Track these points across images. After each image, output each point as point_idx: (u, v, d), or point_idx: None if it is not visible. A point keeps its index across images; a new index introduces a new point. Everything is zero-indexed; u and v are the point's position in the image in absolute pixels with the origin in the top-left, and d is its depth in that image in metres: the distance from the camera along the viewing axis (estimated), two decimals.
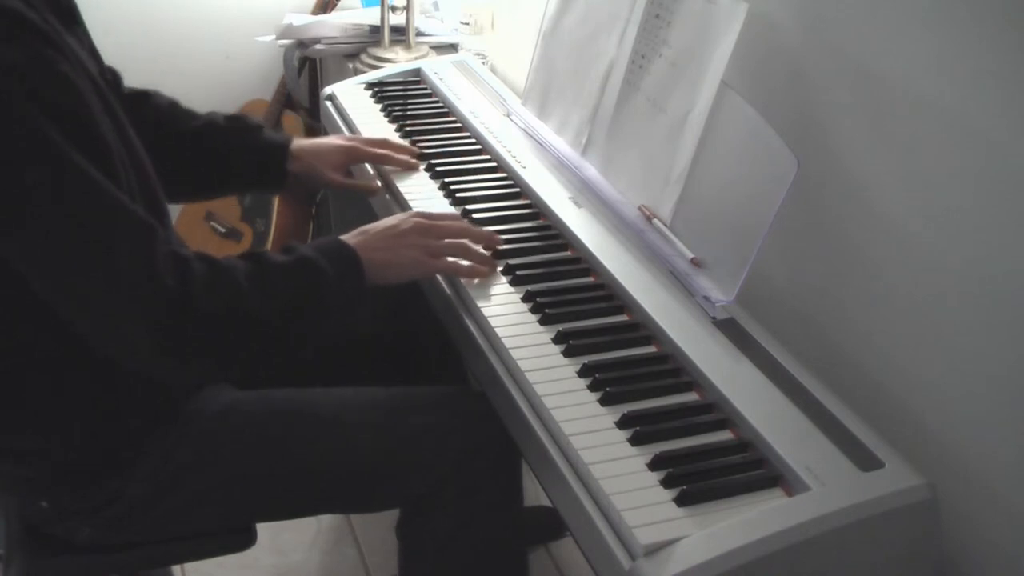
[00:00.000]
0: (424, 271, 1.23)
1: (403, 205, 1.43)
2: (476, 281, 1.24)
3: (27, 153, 0.94)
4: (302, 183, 1.49)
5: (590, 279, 1.25)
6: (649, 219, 1.29)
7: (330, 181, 1.47)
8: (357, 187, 1.52)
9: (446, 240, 1.22)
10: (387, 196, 1.48)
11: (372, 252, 1.16)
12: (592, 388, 1.07)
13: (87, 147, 0.97)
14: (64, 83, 0.96)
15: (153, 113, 1.37)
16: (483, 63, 1.96)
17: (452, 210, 1.40)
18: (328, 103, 1.78)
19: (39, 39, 0.96)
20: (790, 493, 0.94)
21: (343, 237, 1.18)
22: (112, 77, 1.31)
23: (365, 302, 1.15)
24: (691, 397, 1.07)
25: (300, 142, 1.47)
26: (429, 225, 1.22)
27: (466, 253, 1.24)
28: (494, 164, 1.53)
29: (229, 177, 1.44)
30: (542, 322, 1.17)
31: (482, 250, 1.25)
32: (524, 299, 1.21)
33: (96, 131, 0.99)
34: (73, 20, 1.10)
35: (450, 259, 1.23)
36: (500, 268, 1.26)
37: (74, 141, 0.96)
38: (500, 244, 1.28)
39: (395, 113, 1.69)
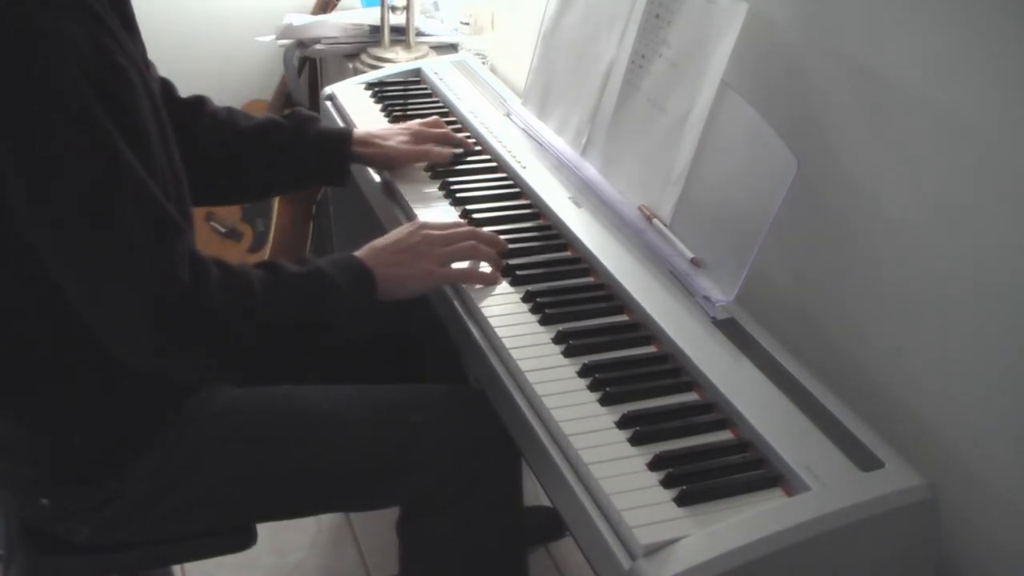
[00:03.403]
0: (436, 282, 1.23)
1: (403, 206, 1.43)
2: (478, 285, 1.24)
3: (74, 130, 0.95)
4: (374, 165, 1.50)
5: (590, 279, 1.25)
6: (649, 219, 1.29)
7: (403, 154, 1.48)
8: (431, 155, 1.50)
9: (456, 246, 1.23)
10: (388, 197, 1.48)
11: (385, 267, 1.16)
12: (592, 388, 1.07)
13: (131, 138, 0.99)
14: (119, 73, 0.98)
15: (211, 115, 1.38)
16: (483, 63, 1.96)
17: (452, 210, 1.40)
18: (328, 103, 1.78)
19: (103, 30, 0.98)
20: (790, 493, 0.94)
21: (355, 253, 1.18)
22: (164, 86, 1.33)
23: (374, 317, 1.16)
24: (691, 397, 1.07)
25: (363, 129, 1.49)
26: (437, 236, 1.22)
27: (474, 253, 1.24)
28: (494, 164, 1.53)
29: (292, 170, 1.44)
30: (542, 322, 1.17)
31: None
32: (524, 299, 1.21)
33: (143, 126, 1.01)
34: (132, 28, 1.11)
35: (460, 266, 1.23)
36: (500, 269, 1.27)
37: (120, 128, 0.97)
38: (506, 248, 1.28)
39: (395, 113, 1.69)
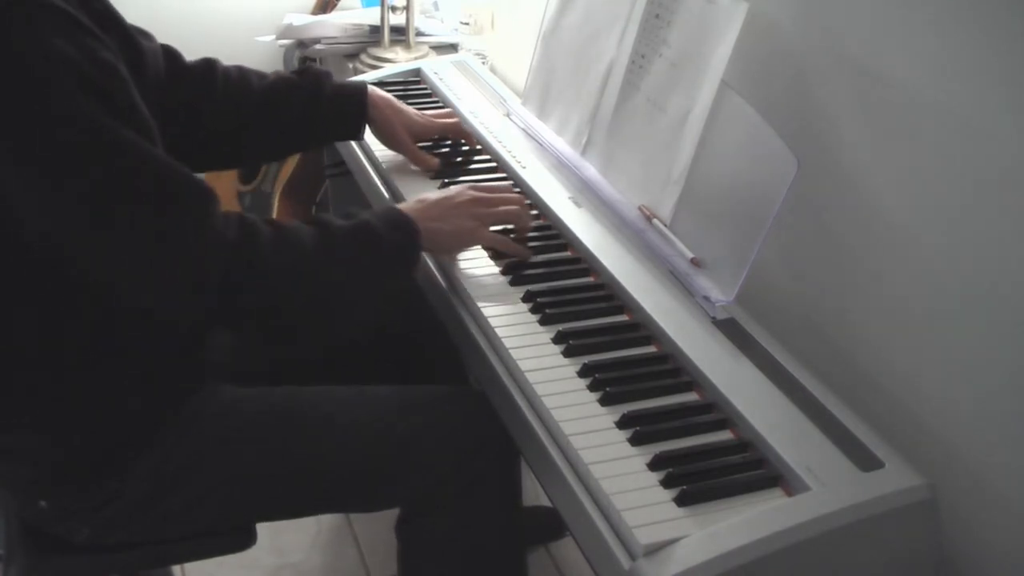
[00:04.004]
0: (475, 241, 1.26)
1: None
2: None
3: (87, 142, 0.96)
4: (376, 132, 1.50)
5: (590, 279, 1.25)
6: (649, 219, 1.29)
7: (401, 142, 1.49)
8: (420, 159, 1.50)
9: (499, 208, 1.26)
10: (389, 198, 1.48)
11: (428, 221, 1.19)
12: (592, 388, 1.07)
13: (137, 127, 1.00)
14: (109, 68, 0.99)
15: (223, 77, 1.38)
16: (483, 63, 1.96)
17: None
18: None
19: (83, 31, 0.98)
20: (790, 493, 0.94)
21: (400, 205, 1.22)
22: (169, 54, 1.33)
23: (416, 270, 1.20)
24: (691, 397, 1.07)
25: (380, 91, 1.49)
26: (484, 198, 1.26)
27: (514, 217, 1.27)
28: (494, 164, 1.53)
29: (309, 127, 1.44)
30: (542, 322, 1.17)
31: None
32: (524, 299, 1.21)
33: (141, 112, 1.02)
34: (109, 26, 1.12)
35: (499, 232, 1.27)
36: (500, 268, 1.27)
37: (124, 121, 0.99)
38: (529, 227, 1.31)
39: None
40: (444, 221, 1.21)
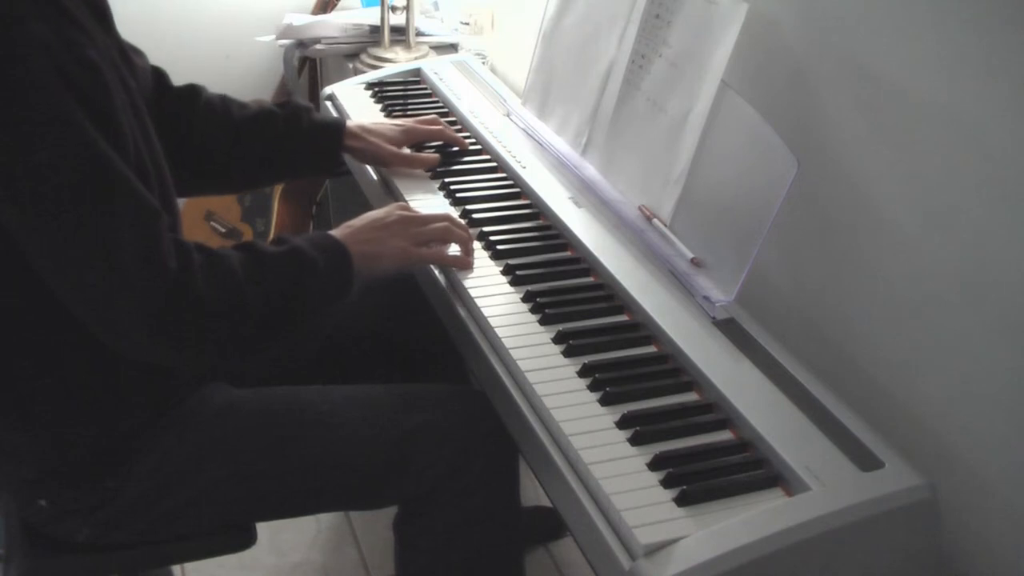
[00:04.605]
0: (410, 261, 1.24)
1: None
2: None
3: (48, 128, 0.96)
4: (362, 160, 1.51)
5: (590, 279, 1.25)
6: (649, 219, 1.29)
7: (390, 156, 1.49)
8: (416, 161, 1.51)
9: (430, 226, 1.24)
10: (387, 197, 1.48)
11: (359, 244, 1.17)
12: (592, 388, 1.07)
13: (105, 130, 0.99)
14: (90, 67, 0.99)
15: (205, 104, 1.38)
16: (483, 63, 1.96)
17: (452, 211, 1.40)
18: (328, 103, 1.78)
19: (71, 24, 0.98)
20: (790, 493, 0.94)
21: (331, 231, 1.19)
22: (157, 75, 1.33)
23: (352, 294, 1.17)
24: (691, 397, 1.07)
25: (356, 121, 1.49)
26: (413, 217, 1.24)
27: (448, 234, 1.25)
28: (494, 164, 1.53)
29: (285, 160, 1.44)
30: (542, 322, 1.17)
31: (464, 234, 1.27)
32: (524, 299, 1.21)
33: (116, 118, 1.01)
34: (105, 22, 1.12)
35: (435, 248, 1.25)
36: (500, 268, 1.27)
37: (94, 122, 0.98)
38: (472, 248, 1.29)
39: (395, 113, 1.69)
40: (375, 243, 1.19)
